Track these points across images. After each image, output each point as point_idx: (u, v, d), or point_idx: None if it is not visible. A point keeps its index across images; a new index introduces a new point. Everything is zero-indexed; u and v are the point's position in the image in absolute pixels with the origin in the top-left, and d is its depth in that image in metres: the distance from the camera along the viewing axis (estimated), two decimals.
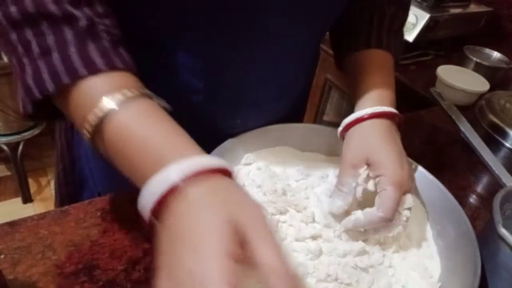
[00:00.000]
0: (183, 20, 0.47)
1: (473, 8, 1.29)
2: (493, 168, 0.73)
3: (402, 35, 0.64)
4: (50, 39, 0.37)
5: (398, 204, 0.47)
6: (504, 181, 0.71)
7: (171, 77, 0.52)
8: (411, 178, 0.50)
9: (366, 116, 0.53)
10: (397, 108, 0.56)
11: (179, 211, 0.32)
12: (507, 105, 0.83)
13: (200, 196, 0.32)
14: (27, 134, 1.65)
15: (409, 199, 0.49)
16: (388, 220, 0.47)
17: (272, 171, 0.56)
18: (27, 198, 1.81)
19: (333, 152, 0.60)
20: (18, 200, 1.81)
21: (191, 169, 0.33)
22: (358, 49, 0.60)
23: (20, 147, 1.68)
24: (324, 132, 0.61)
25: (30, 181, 1.84)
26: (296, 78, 0.64)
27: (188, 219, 0.32)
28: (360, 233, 0.50)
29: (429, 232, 0.54)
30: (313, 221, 0.51)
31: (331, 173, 0.58)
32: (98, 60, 0.37)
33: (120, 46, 0.40)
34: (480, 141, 0.79)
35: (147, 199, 0.33)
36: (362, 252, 0.48)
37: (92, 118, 0.36)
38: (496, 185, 0.71)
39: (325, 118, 1.44)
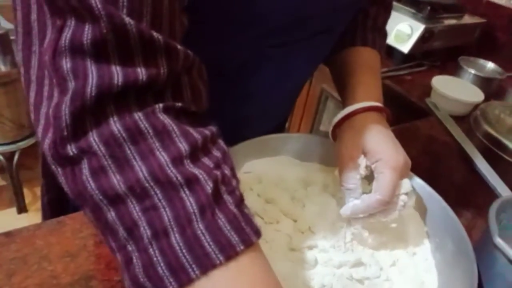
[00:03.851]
0: None
1: (467, 19, 1.31)
2: (489, 178, 0.74)
3: (385, 33, 0.67)
4: (166, 215, 0.27)
5: (395, 187, 0.47)
6: (499, 191, 0.71)
7: None
8: (407, 165, 0.50)
9: (358, 110, 0.53)
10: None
11: None
12: (502, 115, 0.83)
13: None
14: (22, 144, 1.64)
15: (406, 184, 0.49)
16: (386, 203, 0.47)
17: (271, 180, 0.57)
18: (22, 208, 1.80)
19: (331, 163, 0.60)
20: (13, 210, 1.79)
21: None
22: (344, 47, 0.63)
23: (16, 157, 1.67)
24: (323, 142, 0.61)
25: (25, 191, 1.82)
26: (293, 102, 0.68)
27: None
28: (357, 238, 0.50)
29: (427, 245, 0.53)
30: (309, 230, 0.51)
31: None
32: (234, 238, 0.28)
33: (243, 203, 0.31)
34: (475, 151, 0.79)
35: None
36: (358, 264, 0.48)
37: None
38: (491, 195, 0.71)
39: (322, 128, 1.44)
